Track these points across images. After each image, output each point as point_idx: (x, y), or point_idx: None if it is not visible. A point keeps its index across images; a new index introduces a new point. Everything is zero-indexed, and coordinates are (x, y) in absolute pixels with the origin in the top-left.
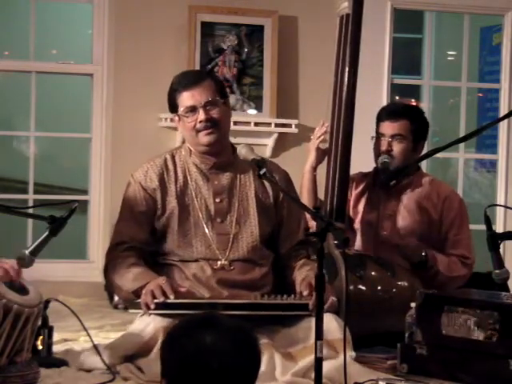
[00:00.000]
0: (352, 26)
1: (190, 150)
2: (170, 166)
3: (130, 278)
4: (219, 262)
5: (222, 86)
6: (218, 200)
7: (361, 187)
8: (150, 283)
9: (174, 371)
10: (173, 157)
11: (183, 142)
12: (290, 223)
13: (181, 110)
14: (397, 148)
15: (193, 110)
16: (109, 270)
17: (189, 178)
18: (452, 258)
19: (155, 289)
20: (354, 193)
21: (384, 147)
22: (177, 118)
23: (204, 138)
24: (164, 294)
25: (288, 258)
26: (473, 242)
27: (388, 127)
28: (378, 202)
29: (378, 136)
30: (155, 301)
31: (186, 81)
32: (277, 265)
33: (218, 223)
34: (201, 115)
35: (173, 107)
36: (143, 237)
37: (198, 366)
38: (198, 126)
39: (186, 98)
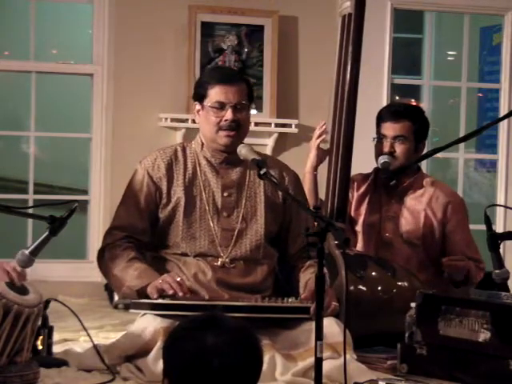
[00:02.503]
0: (354, 25)
1: (202, 144)
2: (180, 157)
3: (134, 274)
4: (220, 259)
5: (252, 94)
6: (226, 194)
7: (362, 189)
8: (168, 275)
9: (176, 371)
10: (183, 148)
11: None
12: (299, 224)
13: (208, 102)
14: (399, 149)
15: (221, 106)
16: (105, 256)
17: (198, 169)
18: (470, 262)
19: (172, 282)
20: (355, 194)
21: (386, 149)
22: (198, 107)
23: (224, 139)
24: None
25: (295, 259)
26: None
27: (390, 128)
28: (379, 204)
29: (380, 137)
30: (156, 301)
31: (222, 76)
32: (281, 265)
33: (224, 217)
34: (228, 114)
35: (199, 96)
36: (141, 225)
37: (200, 366)
38: (223, 123)
39: (219, 93)
